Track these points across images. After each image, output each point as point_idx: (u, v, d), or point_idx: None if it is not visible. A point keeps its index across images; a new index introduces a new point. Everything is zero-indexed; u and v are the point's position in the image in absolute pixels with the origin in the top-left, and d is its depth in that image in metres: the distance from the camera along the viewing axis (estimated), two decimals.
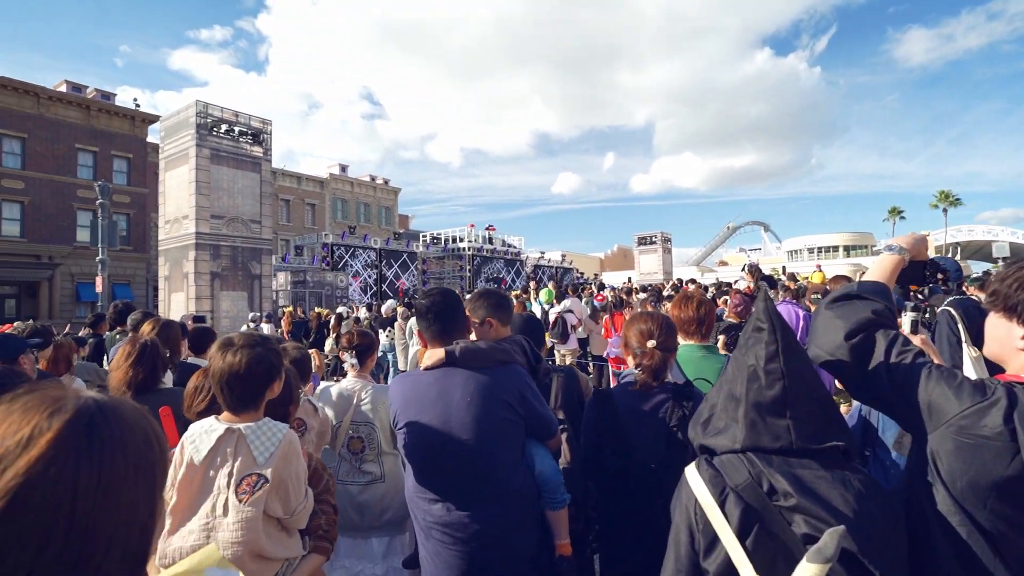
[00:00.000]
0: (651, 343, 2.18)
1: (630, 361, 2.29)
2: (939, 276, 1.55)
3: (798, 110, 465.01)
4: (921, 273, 1.53)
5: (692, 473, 1.19)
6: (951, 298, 3.71)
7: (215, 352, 1.88)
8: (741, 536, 1.07)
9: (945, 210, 52.01)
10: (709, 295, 10.31)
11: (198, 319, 7.11)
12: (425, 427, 2.02)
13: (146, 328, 3.51)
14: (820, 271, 10.31)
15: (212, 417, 1.88)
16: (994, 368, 1.33)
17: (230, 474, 1.76)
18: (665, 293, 9.34)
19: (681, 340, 2.65)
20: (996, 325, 1.24)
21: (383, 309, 12.02)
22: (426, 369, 2.09)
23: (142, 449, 0.68)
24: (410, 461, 2.10)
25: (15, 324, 6.52)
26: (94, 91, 31.29)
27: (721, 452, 1.20)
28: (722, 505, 1.10)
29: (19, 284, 27.23)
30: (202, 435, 1.81)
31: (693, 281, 14.65)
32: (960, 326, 3.59)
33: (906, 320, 1.64)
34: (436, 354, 2.07)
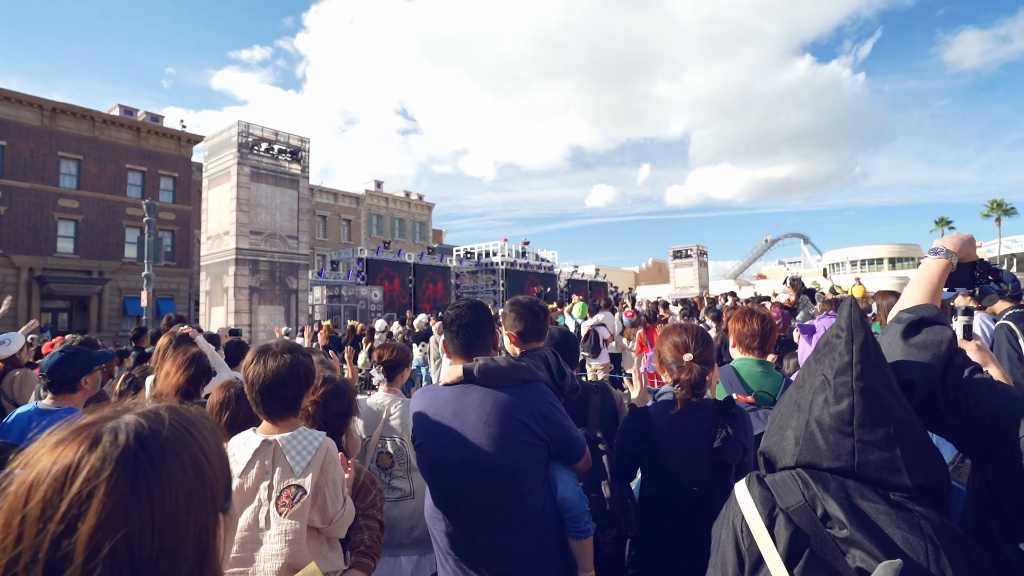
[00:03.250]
0: (687, 356, 2.09)
1: (665, 377, 2.20)
2: (989, 277, 1.46)
3: (841, 118, 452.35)
4: (971, 275, 1.44)
5: (742, 489, 1.11)
6: (1010, 311, 3.51)
7: (251, 359, 1.85)
8: (789, 562, 0.99)
9: (998, 219, 49.82)
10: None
11: (234, 332, 7.27)
12: (441, 446, 1.92)
13: (162, 341, 3.54)
14: (860, 284, 9.87)
15: (250, 430, 1.86)
16: None
17: (270, 486, 1.75)
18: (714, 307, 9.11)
19: (739, 354, 2.58)
20: None
21: (415, 323, 12.10)
22: (445, 385, 2.00)
23: (191, 475, 0.67)
24: (426, 480, 2.02)
25: (66, 337, 6.81)
26: (144, 113, 32.75)
27: (779, 468, 1.12)
28: (770, 526, 1.02)
29: (72, 299, 28.49)
30: (240, 448, 1.80)
31: (733, 294, 14.29)
32: (1021, 341, 3.40)
33: (958, 326, 1.54)
34: (455, 371, 1.97)
